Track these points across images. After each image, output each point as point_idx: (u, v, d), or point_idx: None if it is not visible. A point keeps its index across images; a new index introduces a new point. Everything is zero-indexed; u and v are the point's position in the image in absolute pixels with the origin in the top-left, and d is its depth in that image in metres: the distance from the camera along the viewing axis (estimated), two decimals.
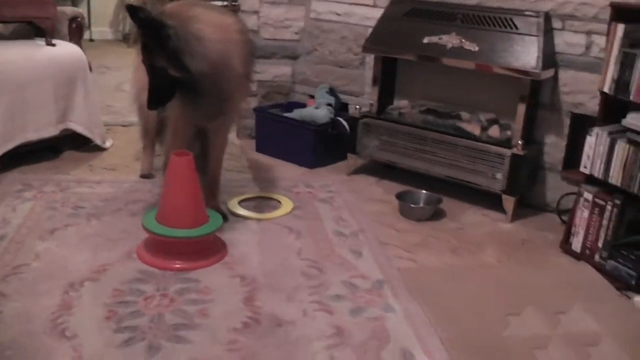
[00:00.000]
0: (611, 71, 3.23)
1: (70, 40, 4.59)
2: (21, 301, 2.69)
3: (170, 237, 3.03)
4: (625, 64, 3.16)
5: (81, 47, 4.57)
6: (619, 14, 3.28)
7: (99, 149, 4.58)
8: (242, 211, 3.69)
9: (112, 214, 3.57)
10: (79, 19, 4.68)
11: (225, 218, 3.46)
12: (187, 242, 3.06)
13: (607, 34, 3.32)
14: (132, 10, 2.90)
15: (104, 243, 3.24)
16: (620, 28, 3.20)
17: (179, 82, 3.03)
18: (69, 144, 4.50)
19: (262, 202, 3.88)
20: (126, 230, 3.37)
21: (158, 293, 2.81)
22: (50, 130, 4.26)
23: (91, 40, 8.88)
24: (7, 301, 2.68)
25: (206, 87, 3.09)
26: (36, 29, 4.47)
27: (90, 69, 4.53)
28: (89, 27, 8.87)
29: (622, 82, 3.18)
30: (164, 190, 3.13)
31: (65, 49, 4.40)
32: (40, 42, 4.37)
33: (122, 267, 3.02)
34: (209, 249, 3.16)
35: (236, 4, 4.97)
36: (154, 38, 2.94)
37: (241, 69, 3.25)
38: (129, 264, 3.05)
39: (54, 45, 4.35)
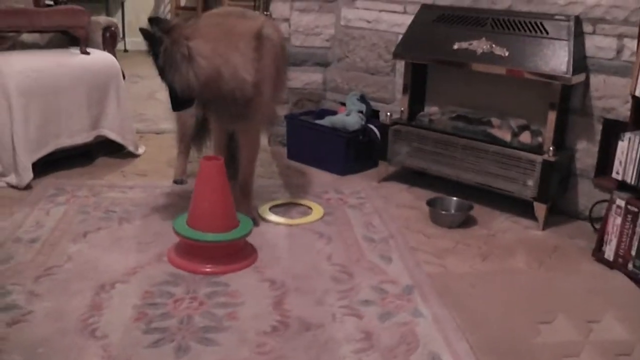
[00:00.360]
0: None
1: (104, 49, 4.66)
2: (53, 301, 2.73)
3: (200, 241, 3.05)
4: None
5: (115, 56, 4.63)
6: None
7: (132, 155, 4.64)
8: (272, 217, 3.71)
9: (143, 218, 3.60)
10: (112, 29, 4.75)
11: (255, 223, 3.49)
12: (217, 246, 3.08)
13: (638, 37, 3.28)
14: (150, 22, 3.14)
15: (135, 246, 3.27)
16: None
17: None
18: (102, 151, 4.57)
19: (293, 208, 3.89)
20: (157, 234, 3.41)
21: (188, 296, 2.83)
22: (83, 137, 4.33)
23: (125, 50, 8.99)
24: (39, 301, 2.72)
25: (209, 96, 3.22)
26: (71, 38, 4.54)
27: (124, 77, 4.58)
28: (123, 37, 8.98)
29: None
30: (194, 195, 3.15)
31: (99, 57, 4.47)
32: (75, 50, 4.44)
33: (153, 269, 3.05)
34: (239, 254, 3.17)
35: (268, 13, 4.99)
36: (154, 52, 3.13)
37: (250, 77, 3.26)
38: (159, 266, 3.08)
39: (88, 53, 4.41)
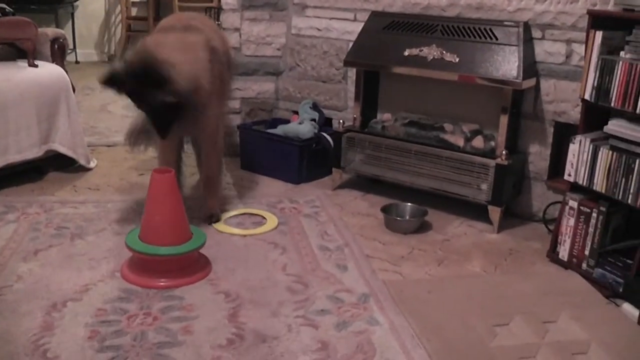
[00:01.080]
0: (591, 78, 3.25)
1: (53, 61, 4.58)
2: (2, 323, 2.65)
3: (153, 255, 3.01)
4: (605, 71, 3.17)
5: (64, 68, 4.56)
6: (596, 21, 3.29)
7: (84, 169, 4.56)
8: (226, 228, 3.68)
9: (95, 234, 3.54)
10: (61, 40, 4.66)
11: (217, 219, 3.74)
12: (170, 260, 3.04)
13: (586, 42, 3.33)
14: (128, 74, 3.18)
15: (87, 263, 3.21)
16: (599, 35, 3.21)
17: (173, 106, 3.22)
18: (53, 165, 4.48)
19: (247, 218, 3.86)
20: (110, 250, 3.36)
21: (141, 311, 2.79)
22: (33, 152, 4.24)
23: (77, 62, 8.88)
24: None
25: (191, 100, 3.26)
26: (18, 51, 4.46)
27: (74, 90, 4.51)
28: (74, 49, 8.88)
29: (602, 89, 3.19)
30: (146, 208, 3.10)
31: (47, 70, 4.39)
32: (23, 63, 4.36)
33: (106, 286, 2.99)
34: (193, 266, 3.14)
35: (219, 22, 4.97)
36: (146, 83, 3.14)
37: (207, 84, 3.38)
38: (112, 283, 3.03)
39: (36, 66, 4.34)
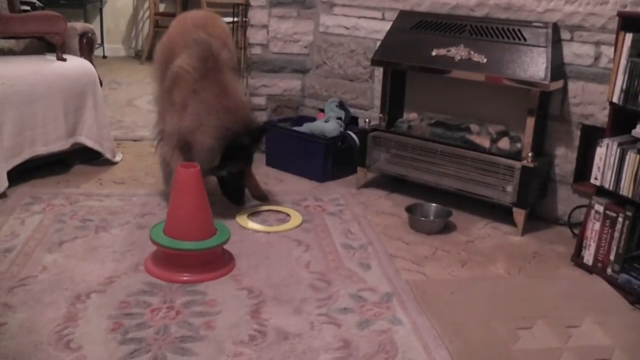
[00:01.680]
0: (620, 81, 3.21)
1: (81, 55, 4.62)
2: (26, 312, 2.68)
3: (177, 249, 3.02)
4: (634, 74, 3.13)
5: (92, 63, 4.59)
6: (627, 23, 3.25)
7: (109, 163, 4.59)
8: (250, 224, 3.69)
9: (120, 227, 3.57)
10: (89, 34, 4.70)
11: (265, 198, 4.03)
12: (194, 255, 3.05)
13: (615, 44, 3.29)
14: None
15: (111, 255, 3.24)
16: (628, 37, 3.18)
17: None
18: (79, 158, 4.52)
19: (271, 215, 3.87)
20: (134, 243, 3.38)
21: (164, 305, 2.80)
22: (60, 144, 4.27)
23: (104, 57, 8.96)
24: (12, 312, 2.68)
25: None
26: (47, 45, 4.50)
27: (101, 84, 4.55)
28: (102, 43, 8.95)
29: (631, 92, 3.16)
30: (171, 203, 3.12)
31: (75, 64, 4.43)
32: (51, 57, 4.40)
33: (129, 279, 3.01)
34: (217, 262, 3.14)
35: (247, 19, 4.97)
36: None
37: None
38: (136, 276, 3.04)
39: (64, 60, 4.37)
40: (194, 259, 3.06)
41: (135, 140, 5.21)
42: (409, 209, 3.87)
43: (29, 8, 5.34)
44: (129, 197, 3.99)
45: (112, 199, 3.95)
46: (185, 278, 3.02)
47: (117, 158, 4.66)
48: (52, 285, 2.91)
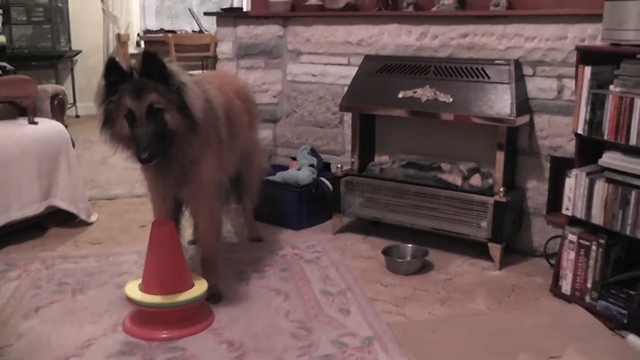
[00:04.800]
0: (583, 112, 3.28)
1: (53, 117, 4.62)
2: None
3: (154, 306, 3.00)
4: (596, 105, 3.20)
5: (64, 123, 4.60)
6: (585, 57, 3.34)
7: (85, 223, 4.57)
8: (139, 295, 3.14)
9: (97, 288, 3.54)
10: (60, 96, 4.71)
11: (216, 298, 3.35)
12: (172, 311, 3.03)
13: (576, 77, 3.37)
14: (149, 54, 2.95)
15: (89, 317, 3.20)
16: (588, 70, 3.26)
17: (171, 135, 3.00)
18: (54, 220, 4.49)
19: None
20: (112, 303, 3.35)
21: None
22: (34, 208, 4.25)
23: (77, 116, 8.97)
24: None
25: (185, 143, 3.07)
26: (19, 108, 4.51)
27: (74, 145, 4.55)
28: (75, 103, 8.97)
29: (595, 123, 3.22)
30: (146, 260, 3.11)
31: (47, 126, 4.43)
32: (23, 121, 4.40)
33: (108, 340, 2.98)
34: (195, 316, 3.12)
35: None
36: (158, 78, 2.94)
37: (212, 131, 3.25)
38: (114, 337, 3.01)
39: (36, 123, 4.37)
40: (172, 315, 3.04)
41: (110, 199, 5.20)
42: (385, 251, 3.88)
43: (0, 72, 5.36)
44: (106, 257, 3.97)
45: (88, 260, 3.92)
46: (164, 335, 3.00)
47: (93, 218, 4.64)
48: (29, 353, 2.86)
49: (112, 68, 2.95)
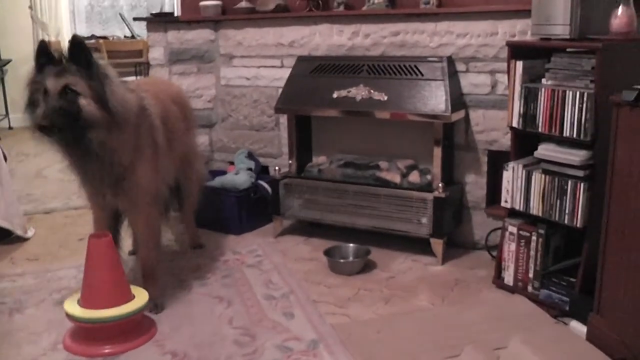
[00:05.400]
0: (517, 106, 3.32)
1: None
2: None
3: (94, 321, 2.93)
4: (529, 99, 3.25)
5: None
6: (516, 52, 3.39)
7: (21, 239, 4.44)
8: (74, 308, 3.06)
9: (35, 306, 3.44)
10: None
11: (157, 309, 3.31)
12: (113, 325, 2.96)
13: (508, 72, 3.41)
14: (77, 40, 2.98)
15: (27, 337, 3.11)
16: (519, 65, 3.31)
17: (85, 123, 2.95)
18: None
19: None
20: (51, 321, 3.25)
21: None
22: None
23: (10, 128, 8.75)
24: None
25: (105, 140, 3.00)
26: None
27: (5, 159, 4.43)
28: (7, 114, 8.75)
29: (529, 116, 3.26)
30: (85, 274, 3.03)
31: None
32: None
33: None
34: (138, 329, 3.06)
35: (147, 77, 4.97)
36: (83, 65, 2.94)
37: (147, 138, 3.22)
38: (55, 356, 2.93)
39: None
40: (113, 329, 2.97)
41: (46, 213, 5.07)
42: (327, 252, 3.87)
43: None
44: (44, 274, 3.87)
45: (25, 278, 3.81)
46: (107, 351, 2.93)
47: (29, 233, 4.52)
48: None
49: (42, 52, 2.98)
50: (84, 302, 2.99)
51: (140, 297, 3.11)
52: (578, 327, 3.00)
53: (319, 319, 3.20)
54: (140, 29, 8.56)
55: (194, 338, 3.05)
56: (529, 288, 3.36)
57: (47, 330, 3.17)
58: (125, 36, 9.15)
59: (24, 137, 7.95)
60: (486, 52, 3.81)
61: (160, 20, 4.97)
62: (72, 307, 3.00)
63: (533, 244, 3.32)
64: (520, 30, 3.70)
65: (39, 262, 4.09)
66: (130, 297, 3.07)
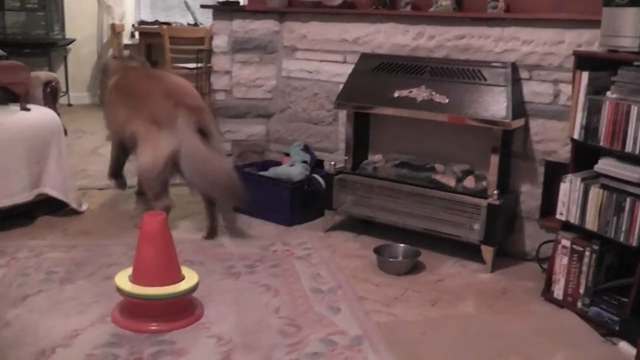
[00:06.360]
0: (579, 118, 3.27)
1: (46, 104, 4.58)
2: None
3: (143, 298, 2.98)
4: (592, 111, 3.20)
5: (56, 111, 4.56)
6: (582, 62, 3.34)
7: (75, 212, 4.53)
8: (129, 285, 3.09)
9: (85, 278, 3.51)
10: (53, 84, 4.67)
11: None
12: (161, 304, 3.01)
13: (573, 82, 3.36)
14: None
15: (76, 307, 3.17)
16: (585, 75, 3.26)
17: None
18: (44, 209, 4.44)
19: None
20: (100, 294, 3.32)
21: (132, 357, 2.75)
22: (24, 196, 4.21)
23: (69, 105, 8.90)
24: None
25: None
26: (11, 95, 4.45)
27: (65, 133, 4.51)
28: (67, 92, 8.90)
29: (590, 129, 3.21)
30: (137, 251, 3.07)
31: (39, 114, 4.39)
32: (15, 107, 4.35)
33: (96, 331, 2.95)
34: (185, 310, 3.10)
35: (210, 65, 4.99)
36: None
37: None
38: (102, 328, 2.99)
39: (28, 110, 4.33)
40: (161, 307, 3.01)
41: (100, 189, 5.16)
42: (377, 250, 3.87)
43: None
44: (95, 247, 3.94)
45: (77, 250, 3.89)
46: (153, 328, 2.98)
47: (83, 207, 4.61)
48: (15, 342, 2.84)
49: None
50: (135, 279, 3.04)
51: (190, 278, 3.14)
52: (627, 349, 2.95)
53: (364, 315, 3.20)
54: (204, 17, 8.64)
55: (239, 324, 3.07)
56: (579, 304, 3.31)
57: (97, 303, 3.23)
58: (188, 23, 9.22)
59: (82, 114, 8.14)
60: (551, 61, 3.77)
61: (226, 9, 5.00)
62: (123, 282, 3.05)
63: (586, 259, 3.27)
64: (586, 40, 3.64)
65: (90, 236, 4.16)
66: (180, 278, 3.10)
